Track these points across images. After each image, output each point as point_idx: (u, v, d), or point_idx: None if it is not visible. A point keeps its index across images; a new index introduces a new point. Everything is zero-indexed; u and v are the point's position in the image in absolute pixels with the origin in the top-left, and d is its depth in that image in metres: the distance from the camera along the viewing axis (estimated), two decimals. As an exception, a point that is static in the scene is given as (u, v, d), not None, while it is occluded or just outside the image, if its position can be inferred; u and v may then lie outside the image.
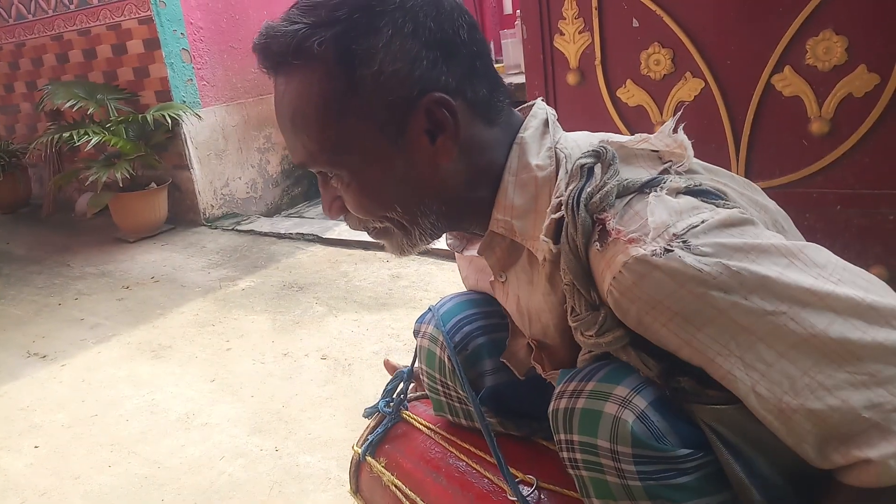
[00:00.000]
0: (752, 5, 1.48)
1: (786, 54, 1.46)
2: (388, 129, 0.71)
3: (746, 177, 1.55)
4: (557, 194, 0.71)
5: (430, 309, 1.07)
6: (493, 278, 0.86)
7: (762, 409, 0.61)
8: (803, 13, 1.42)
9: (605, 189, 0.67)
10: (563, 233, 0.69)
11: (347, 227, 0.83)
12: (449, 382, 1.01)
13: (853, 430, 0.58)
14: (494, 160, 0.76)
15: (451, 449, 1.02)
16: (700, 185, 0.68)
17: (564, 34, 1.74)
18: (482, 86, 0.74)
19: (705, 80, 1.57)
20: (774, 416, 0.60)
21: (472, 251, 0.90)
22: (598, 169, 0.69)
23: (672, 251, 0.60)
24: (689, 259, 0.60)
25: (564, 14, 1.72)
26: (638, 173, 0.70)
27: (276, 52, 0.71)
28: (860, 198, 1.47)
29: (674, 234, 0.61)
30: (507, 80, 3.73)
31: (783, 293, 0.59)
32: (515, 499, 0.86)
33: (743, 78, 1.53)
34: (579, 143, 0.76)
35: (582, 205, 0.67)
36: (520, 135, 0.76)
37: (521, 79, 2.06)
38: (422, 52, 0.69)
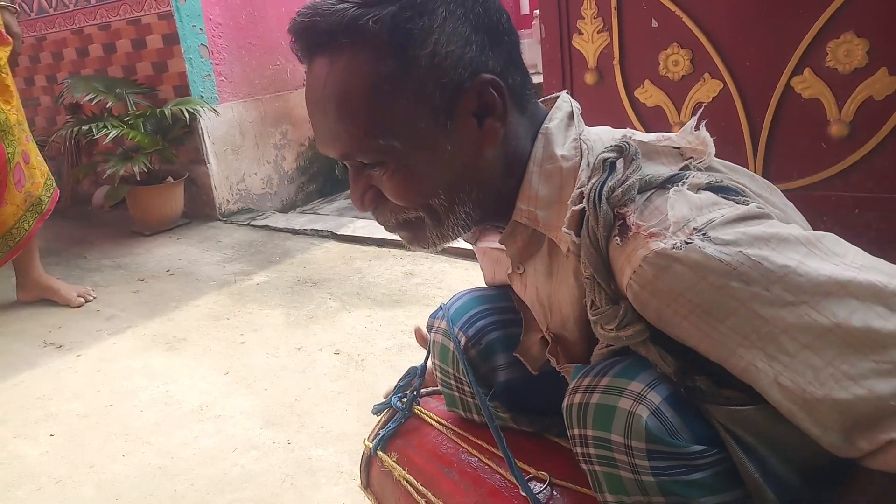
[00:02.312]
0: (772, 7, 1.47)
1: (806, 56, 1.46)
2: (439, 111, 0.71)
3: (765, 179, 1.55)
4: (579, 185, 0.72)
5: (441, 307, 1.07)
6: (510, 270, 0.86)
7: (786, 400, 0.60)
8: (824, 15, 1.41)
9: (627, 183, 0.67)
10: (584, 226, 0.69)
11: (376, 221, 0.81)
12: (462, 377, 1.01)
13: (881, 416, 0.57)
14: (522, 150, 0.77)
15: (463, 444, 1.02)
16: (721, 182, 0.68)
17: (583, 34, 1.74)
18: (517, 73, 0.75)
19: (724, 82, 1.56)
20: (799, 407, 0.59)
21: (485, 242, 0.90)
22: (620, 164, 0.70)
23: (691, 243, 0.61)
24: (710, 249, 0.60)
25: (583, 14, 1.72)
26: (659, 169, 0.70)
27: (324, 30, 0.69)
28: (879, 202, 1.46)
29: (694, 229, 0.61)
30: (523, 80, 3.73)
31: (804, 283, 0.59)
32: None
33: (762, 79, 1.52)
34: (602, 136, 0.76)
35: (604, 199, 0.67)
36: (545, 125, 0.77)
37: (538, 79, 2.06)
38: (472, 36, 0.70)
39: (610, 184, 0.68)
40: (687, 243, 0.61)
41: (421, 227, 0.79)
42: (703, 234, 0.61)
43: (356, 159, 0.74)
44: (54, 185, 2.82)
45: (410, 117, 0.71)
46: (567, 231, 0.71)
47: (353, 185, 0.78)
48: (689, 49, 1.58)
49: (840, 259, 0.61)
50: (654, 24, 1.63)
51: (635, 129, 1.71)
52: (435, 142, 0.72)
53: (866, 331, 0.57)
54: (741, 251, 0.60)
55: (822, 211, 1.50)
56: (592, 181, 0.70)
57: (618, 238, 0.66)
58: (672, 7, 1.57)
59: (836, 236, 0.64)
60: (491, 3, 0.73)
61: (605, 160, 0.70)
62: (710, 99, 1.59)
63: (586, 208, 0.69)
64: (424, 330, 1.17)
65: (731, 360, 0.62)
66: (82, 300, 2.75)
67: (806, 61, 1.46)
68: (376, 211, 0.79)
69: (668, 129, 1.67)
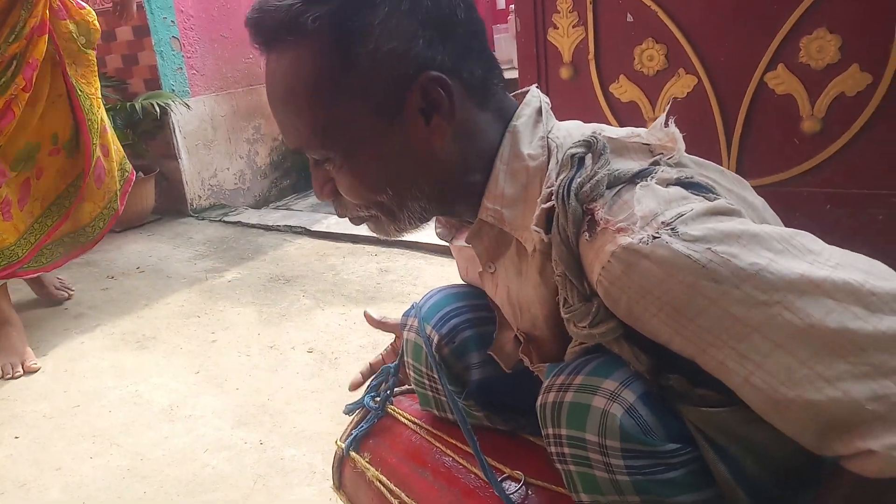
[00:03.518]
0: (747, 2, 1.47)
1: (780, 52, 1.46)
2: (383, 109, 0.70)
3: (737, 174, 1.55)
4: (548, 184, 0.70)
5: (413, 306, 1.06)
6: (481, 269, 0.84)
7: (757, 400, 0.59)
8: (797, 11, 1.42)
9: (595, 179, 0.66)
10: (553, 223, 0.68)
11: (336, 214, 0.81)
12: (435, 377, 0.99)
13: (855, 420, 0.55)
14: (487, 145, 0.75)
15: (437, 444, 1.01)
16: (691, 178, 0.67)
17: (558, 28, 1.73)
18: (478, 67, 0.73)
19: (698, 77, 1.56)
20: (770, 408, 0.58)
21: (460, 241, 0.89)
22: (588, 159, 0.68)
23: (660, 238, 0.59)
24: (678, 245, 0.59)
25: (559, 7, 1.71)
26: (629, 165, 0.69)
27: (270, 27, 0.69)
28: (850, 197, 1.47)
29: (662, 223, 0.60)
30: (499, 76, 3.73)
31: (776, 281, 0.57)
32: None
33: (736, 75, 1.52)
34: (572, 132, 0.75)
35: (572, 194, 0.66)
36: (513, 123, 0.75)
37: (514, 74, 2.05)
38: (418, 30, 0.68)
39: (578, 180, 0.66)
40: (654, 238, 0.60)
41: (377, 220, 0.79)
42: (672, 229, 0.60)
43: (308, 154, 0.75)
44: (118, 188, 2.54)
45: (354, 115, 0.70)
46: (536, 229, 0.70)
47: (313, 176, 0.78)
48: (664, 44, 1.58)
49: (814, 257, 0.59)
50: (630, 18, 1.62)
51: (610, 124, 1.71)
52: (381, 139, 0.71)
53: (842, 331, 0.56)
54: (710, 248, 0.58)
55: (794, 207, 1.50)
56: (560, 177, 0.69)
57: (587, 234, 0.65)
58: (647, 2, 1.56)
59: (811, 234, 0.63)
60: None
61: (572, 156, 0.69)
62: (685, 94, 1.59)
63: (555, 205, 0.68)
64: (371, 313, 1.18)
65: (702, 357, 0.61)
66: (64, 294, 2.65)
67: (779, 57, 1.46)
68: (335, 203, 0.79)
69: (642, 124, 1.67)
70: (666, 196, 0.63)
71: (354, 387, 1.21)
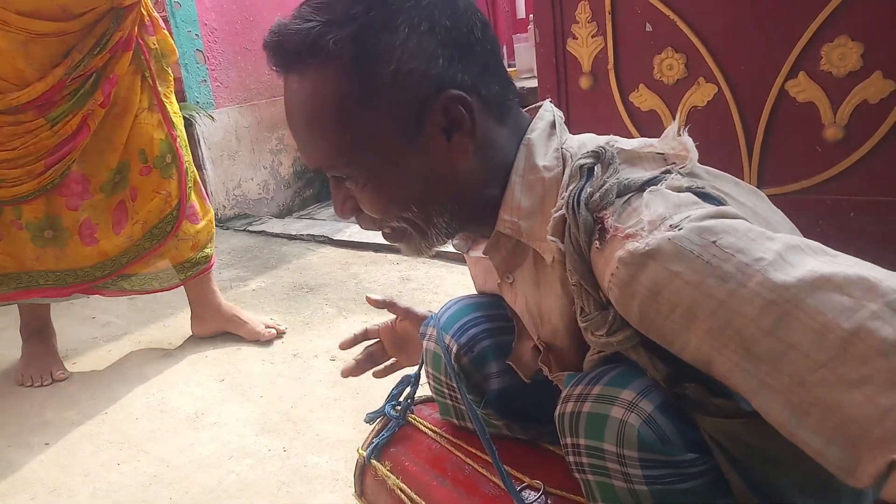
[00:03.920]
0: (766, 11, 1.47)
1: (800, 60, 1.46)
2: (405, 128, 0.71)
3: (759, 183, 1.55)
4: (563, 195, 0.71)
5: (432, 316, 1.07)
6: (500, 280, 0.85)
7: (775, 406, 0.55)
8: (819, 19, 1.41)
9: (605, 188, 0.66)
10: (566, 233, 0.68)
11: (359, 227, 0.83)
12: (455, 386, 1.00)
13: (883, 430, 0.49)
14: (504, 159, 0.76)
15: (456, 453, 1.01)
16: (702, 189, 0.67)
17: (577, 38, 1.74)
18: (495, 83, 0.75)
19: (718, 86, 1.56)
20: (789, 415, 0.54)
21: (477, 252, 0.90)
22: (598, 169, 0.69)
23: (663, 235, 0.59)
24: (681, 241, 0.58)
25: (578, 18, 1.72)
26: (640, 174, 0.70)
27: (290, 49, 0.70)
28: (874, 205, 1.46)
29: (670, 225, 0.60)
30: (519, 85, 3.73)
31: (784, 278, 0.54)
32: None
33: (756, 83, 1.52)
34: (585, 144, 0.76)
35: (582, 204, 0.66)
36: (527, 136, 0.76)
37: (534, 83, 2.06)
38: (438, 50, 0.69)
39: (588, 189, 0.67)
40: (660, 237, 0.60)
41: (406, 235, 0.79)
42: (679, 229, 0.59)
43: (329, 173, 0.76)
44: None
45: (377, 135, 0.71)
46: (552, 238, 0.70)
47: (333, 194, 0.79)
48: (684, 53, 1.58)
49: (829, 258, 0.56)
50: (649, 28, 1.62)
51: (630, 134, 1.71)
52: (404, 158, 0.72)
53: (860, 332, 0.51)
54: (715, 242, 0.57)
55: (817, 215, 1.49)
56: (571, 188, 0.69)
57: (597, 242, 0.65)
58: (666, 11, 1.57)
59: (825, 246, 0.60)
60: (460, 15, 0.71)
61: (581, 166, 0.70)
62: (705, 103, 1.59)
63: (566, 215, 0.68)
64: (374, 295, 1.21)
65: (715, 362, 0.59)
66: (273, 332, 2.30)
67: (800, 65, 1.45)
68: (359, 219, 0.80)
69: (662, 133, 1.67)
70: (676, 200, 0.63)
71: (346, 345, 1.24)
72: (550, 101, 0.81)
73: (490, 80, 0.74)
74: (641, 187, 0.66)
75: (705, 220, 0.60)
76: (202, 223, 2.27)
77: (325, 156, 0.73)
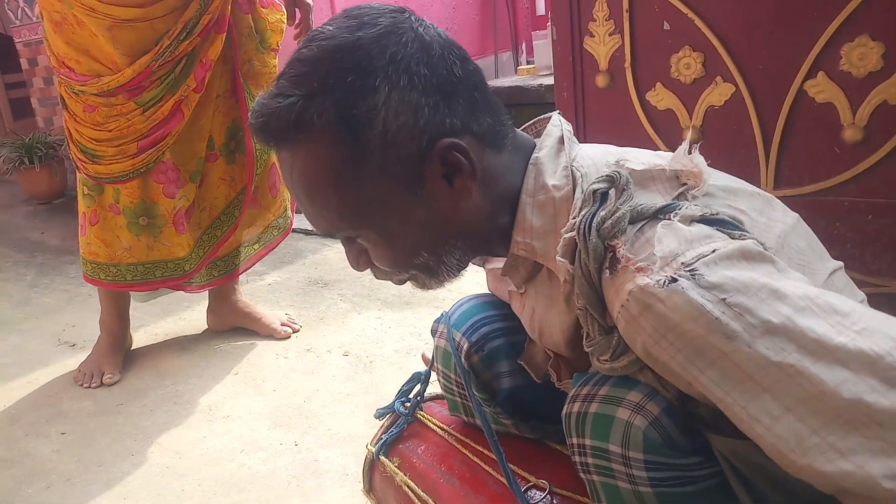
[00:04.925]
0: (785, 10, 1.45)
1: (819, 60, 1.44)
2: (406, 183, 0.71)
3: (776, 184, 1.53)
4: (574, 214, 0.70)
5: (443, 313, 1.07)
6: (512, 288, 0.86)
7: (774, 452, 0.57)
8: (838, 18, 1.39)
9: (617, 215, 0.65)
10: (576, 257, 0.68)
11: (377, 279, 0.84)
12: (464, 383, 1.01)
13: (871, 496, 0.53)
14: (511, 185, 0.75)
15: (464, 450, 1.02)
16: (717, 214, 0.65)
17: (594, 36, 1.73)
18: (485, 116, 0.74)
19: (736, 85, 1.54)
20: (784, 466, 0.57)
21: (493, 264, 0.90)
22: (611, 193, 0.68)
23: (677, 282, 0.58)
24: (693, 294, 0.58)
25: (595, 16, 1.71)
26: (653, 198, 0.69)
27: (276, 128, 0.69)
28: (893, 207, 1.43)
29: (682, 263, 0.59)
30: (538, 82, 3.72)
31: (791, 342, 0.55)
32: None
33: (775, 83, 1.50)
34: (595, 160, 0.74)
35: (594, 230, 0.66)
36: (535, 155, 0.75)
37: (552, 80, 2.05)
38: (422, 100, 0.68)
39: (601, 215, 0.66)
40: (673, 281, 0.59)
41: (416, 279, 0.81)
42: (691, 272, 0.59)
43: (339, 236, 0.77)
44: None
45: (378, 194, 0.71)
46: (561, 259, 0.69)
47: (346, 251, 0.80)
48: (702, 52, 1.56)
49: (839, 318, 0.57)
50: (666, 26, 1.61)
51: (646, 132, 1.70)
52: (408, 210, 0.72)
53: (857, 403, 0.53)
54: (724, 299, 0.57)
55: (835, 217, 1.47)
56: (583, 212, 0.68)
57: (608, 270, 0.65)
58: (684, 9, 1.55)
59: (843, 296, 0.60)
60: (437, 59, 0.70)
61: (594, 191, 0.69)
62: (722, 103, 1.57)
63: (576, 239, 0.68)
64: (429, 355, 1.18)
65: (718, 403, 0.60)
66: (288, 331, 2.31)
67: (819, 65, 1.43)
68: (373, 269, 0.81)
69: (679, 132, 1.65)
70: (688, 235, 0.62)
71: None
72: (559, 113, 0.80)
73: (479, 114, 0.73)
74: (655, 215, 0.65)
75: (721, 266, 0.59)
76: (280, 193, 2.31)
77: (331, 222, 0.74)
